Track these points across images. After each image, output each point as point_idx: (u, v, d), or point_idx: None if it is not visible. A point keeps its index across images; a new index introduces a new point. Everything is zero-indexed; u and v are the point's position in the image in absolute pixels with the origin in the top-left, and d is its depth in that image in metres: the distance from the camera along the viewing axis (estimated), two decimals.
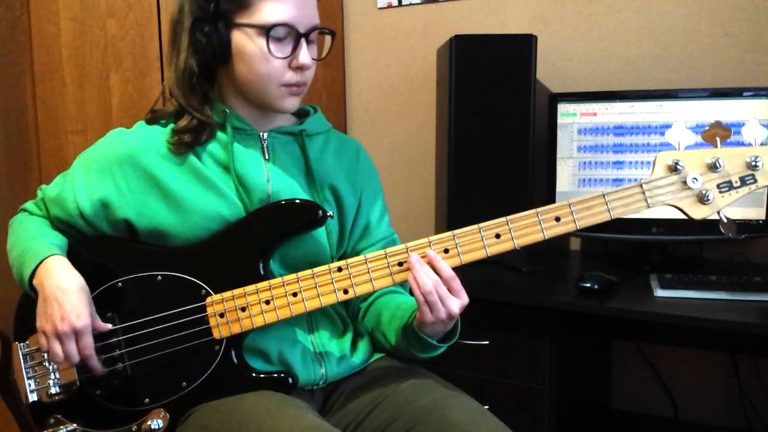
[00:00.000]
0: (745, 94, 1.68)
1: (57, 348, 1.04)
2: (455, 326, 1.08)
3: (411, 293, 1.03)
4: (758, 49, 1.79)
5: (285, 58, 1.06)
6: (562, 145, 1.81)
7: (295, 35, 1.06)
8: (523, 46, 1.69)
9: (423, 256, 1.02)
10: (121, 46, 1.91)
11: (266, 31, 1.04)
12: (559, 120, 1.81)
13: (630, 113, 1.76)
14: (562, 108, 1.80)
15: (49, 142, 1.97)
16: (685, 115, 1.72)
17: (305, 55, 1.07)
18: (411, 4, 2.19)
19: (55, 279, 1.05)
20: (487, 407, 1.06)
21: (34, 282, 1.07)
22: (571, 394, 1.73)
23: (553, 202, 1.81)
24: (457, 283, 1.01)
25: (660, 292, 1.50)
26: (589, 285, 1.52)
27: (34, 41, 1.95)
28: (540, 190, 1.83)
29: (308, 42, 1.08)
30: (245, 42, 1.05)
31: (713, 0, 1.83)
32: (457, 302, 1.01)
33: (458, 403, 1.04)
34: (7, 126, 1.94)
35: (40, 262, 1.06)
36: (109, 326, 1.08)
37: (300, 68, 1.07)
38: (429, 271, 1.01)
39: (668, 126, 1.73)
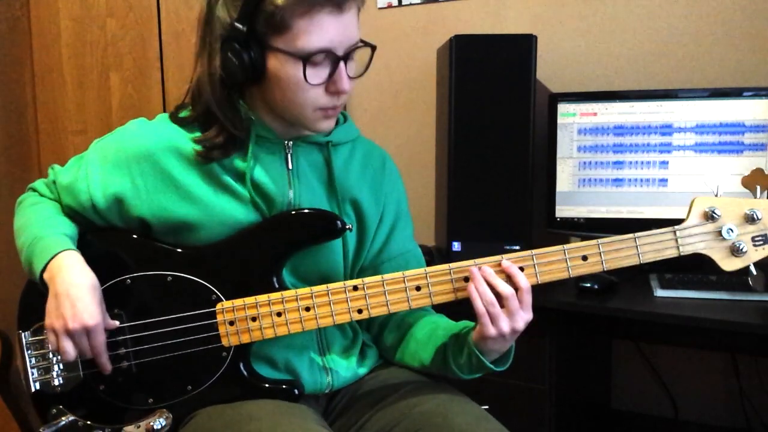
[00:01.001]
0: (745, 94, 1.68)
1: (68, 346, 1.02)
2: (509, 351, 1.04)
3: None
4: (758, 49, 1.79)
5: (322, 83, 1.00)
6: (562, 145, 1.81)
7: (333, 59, 0.99)
8: (523, 46, 1.69)
9: (497, 266, 0.98)
10: (121, 46, 1.91)
11: (303, 60, 0.97)
12: (559, 120, 1.81)
13: (630, 113, 1.76)
14: (562, 108, 1.80)
15: (49, 142, 1.97)
16: (685, 115, 1.72)
17: (343, 80, 1.00)
18: (411, 4, 2.19)
19: (68, 276, 1.02)
20: (486, 407, 1.06)
21: (45, 276, 1.04)
22: (571, 394, 1.73)
23: (553, 202, 1.82)
24: (529, 297, 0.98)
25: (660, 292, 1.50)
26: (589, 285, 1.52)
27: (34, 41, 1.95)
28: (540, 190, 1.83)
29: (349, 60, 1.02)
30: (280, 67, 0.99)
31: (713, 0, 1.83)
32: (523, 318, 0.97)
33: (460, 407, 1.03)
34: (7, 126, 1.94)
35: (53, 257, 1.04)
36: (117, 323, 1.07)
37: (338, 93, 1.02)
38: (499, 282, 0.97)
39: (668, 126, 1.73)
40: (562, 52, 2.00)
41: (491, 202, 1.72)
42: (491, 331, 0.96)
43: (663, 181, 1.74)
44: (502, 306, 0.97)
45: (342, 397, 1.14)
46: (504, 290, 0.96)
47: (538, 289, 1.59)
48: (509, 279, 0.98)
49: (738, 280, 1.52)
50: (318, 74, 0.99)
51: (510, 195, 1.72)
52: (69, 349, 1.02)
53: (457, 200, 1.74)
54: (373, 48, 1.06)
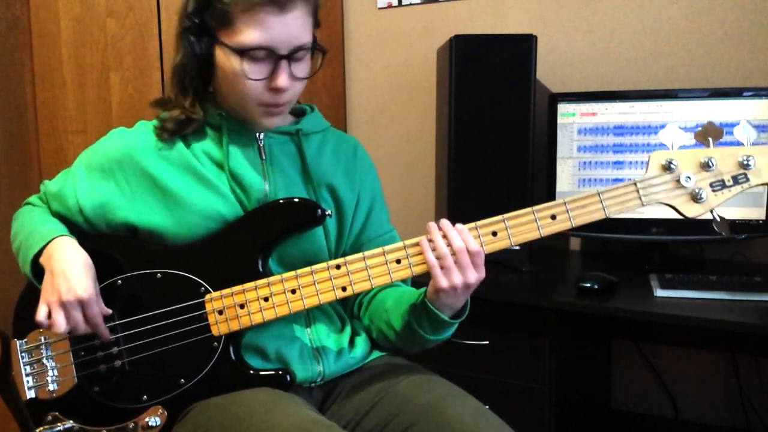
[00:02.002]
0: (745, 94, 1.68)
1: (61, 318, 1.04)
2: (464, 306, 1.07)
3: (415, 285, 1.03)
4: (758, 49, 1.79)
5: (261, 80, 1.04)
6: (562, 145, 1.81)
7: (274, 57, 1.03)
8: (523, 46, 1.69)
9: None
10: (121, 46, 1.91)
11: (241, 53, 1.02)
12: (559, 120, 1.81)
13: (630, 113, 1.76)
14: (562, 108, 1.80)
15: (49, 142, 1.96)
16: (685, 115, 1.72)
17: (282, 78, 1.04)
18: (411, 4, 2.19)
19: (62, 255, 1.06)
20: (487, 407, 1.06)
21: (41, 260, 1.08)
22: (571, 394, 1.73)
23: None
24: (480, 259, 1.01)
25: (660, 292, 1.50)
26: (589, 285, 1.52)
27: (34, 41, 1.95)
28: (540, 190, 1.83)
29: (294, 60, 1.05)
30: (224, 60, 1.05)
31: (713, 0, 1.83)
32: (475, 274, 1.01)
33: (458, 402, 1.04)
34: (7, 126, 1.94)
35: (49, 242, 1.08)
36: (110, 311, 1.09)
37: (276, 90, 1.06)
38: (454, 236, 1.00)
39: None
40: (562, 52, 2.00)
41: (491, 202, 1.72)
42: (442, 282, 1.00)
43: None
44: (455, 262, 1.00)
45: (338, 392, 1.15)
46: (456, 244, 1.00)
47: (537, 289, 1.61)
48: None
49: (738, 280, 1.52)
50: (258, 70, 1.04)
51: (510, 195, 1.72)
52: (61, 321, 1.04)
53: (457, 200, 1.74)
54: (324, 52, 1.11)
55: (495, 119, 1.71)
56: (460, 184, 1.74)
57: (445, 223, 1.03)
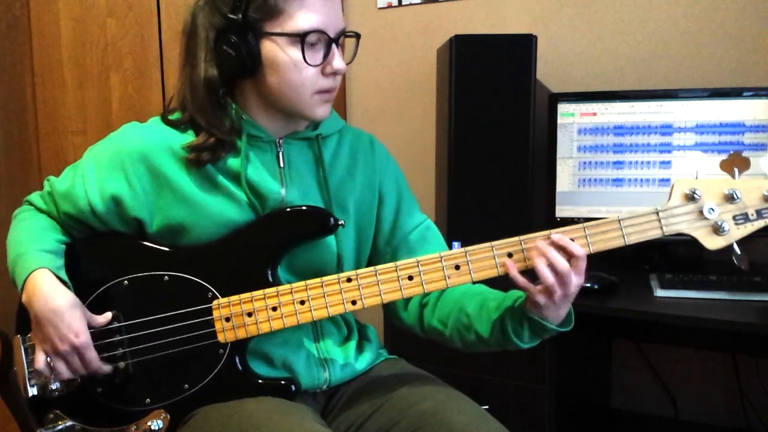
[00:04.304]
0: (745, 94, 1.68)
1: (61, 367, 1.04)
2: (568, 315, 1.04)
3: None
4: (758, 49, 1.79)
5: (319, 65, 1.03)
6: (562, 145, 1.81)
7: (326, 41, 1.03)
8: (523, 46, 1.69)
9: (546, 239, 0.99)
10: (121, 46, 1.91)
11: (301, 39, 1.01)
12: (559, 120, 1.80)
13: (630, 113, 1.76)
14: (562, 108, 1.80)
15: (49, 142, 1.97)
16: (685, 115, 1.72)
17: (339, 60, 1.05)
18: (411, 4, 2.19)
19: (42, 300, 1.02)
20: (486, 407, 1.06)
21: (23, 299, 1.05)
22: (571, 394, 1.73)
23: (553, 202, 1.82)
24: (583, 264, 0.99)
25: (660, 292, 1.50)
26: (589, 285, 1.52)
27: (34, 41, 1.95)
28: (540, 190, 1.83)
29: (339, 45, 1.06)
30: (277, 52, 1.02)
31: (713, 0, 1.83)
32: (576, 283, 0.98)
33: (459, 407, 1.04)
34: (7, 126, 1.94)
35: (26, 278, 1.04)
36: (106, 319, 1.07)
37: (334, 74, 1.05)
38: (557, 258, 0.97)
39: (668, 126, 1.73)
40: (562, 52, 2.00)
41: (491, 202, 1.72)
42: (543, 300, 0.98)
43: (663, 181, 1.74)
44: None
45: (341, 395, 1.14)
46: (562, 267, 0.97)
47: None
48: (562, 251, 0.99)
49: (738, 279, 1.52)
50: (314, 56, 1.03)
51: (510, 195, 1.72)
52: (62, 369, 1.04)
53: (457, 200, 1.74)
54: (358, 37, 1.11)
55: (495, 119, 1.71)
56: (460, 184, 1.74)
57: (541, 243, 0.99)
